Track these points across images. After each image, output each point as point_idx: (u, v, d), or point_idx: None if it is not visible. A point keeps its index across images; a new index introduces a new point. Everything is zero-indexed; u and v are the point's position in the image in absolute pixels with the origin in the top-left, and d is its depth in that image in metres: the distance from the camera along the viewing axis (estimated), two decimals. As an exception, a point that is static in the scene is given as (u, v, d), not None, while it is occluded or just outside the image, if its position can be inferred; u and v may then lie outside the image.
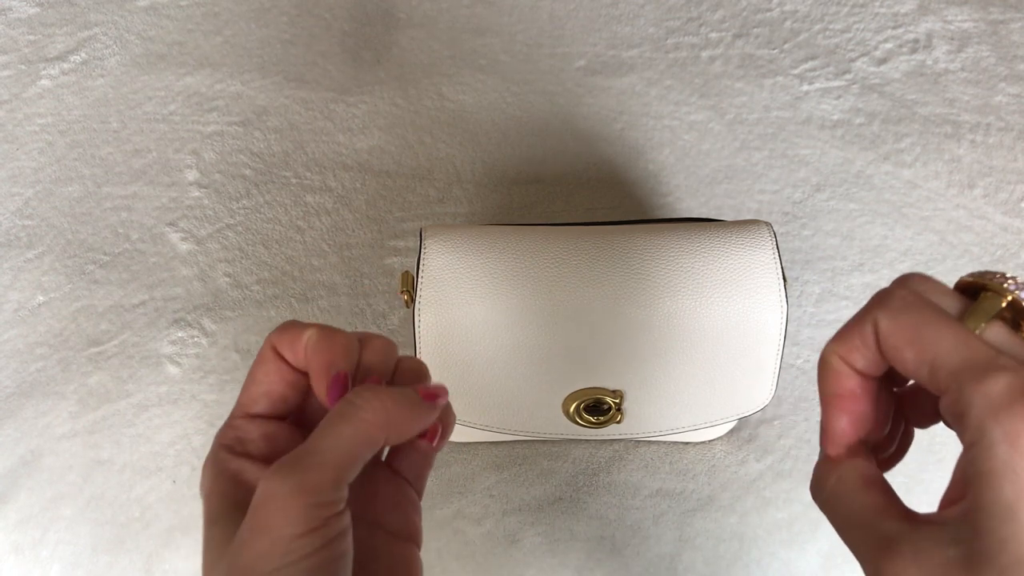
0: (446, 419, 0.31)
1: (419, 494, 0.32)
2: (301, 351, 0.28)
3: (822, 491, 0.26)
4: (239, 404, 0.29)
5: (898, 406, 0.29)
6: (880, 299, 0.25)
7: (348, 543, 0.25)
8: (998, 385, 0.21)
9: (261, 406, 0.28)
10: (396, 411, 0.27)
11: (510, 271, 0.43)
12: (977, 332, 0.24)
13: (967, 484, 0.22)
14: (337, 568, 0.24)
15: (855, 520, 0.25)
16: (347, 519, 0.25)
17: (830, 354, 0.26)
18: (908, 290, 0.24)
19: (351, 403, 0.26)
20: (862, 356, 0.25)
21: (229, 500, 0.26)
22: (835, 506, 0.26)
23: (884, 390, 0.27)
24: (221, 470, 0.27)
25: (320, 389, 0.28)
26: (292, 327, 0.29)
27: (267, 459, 0.27)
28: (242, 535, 0.24)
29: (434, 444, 0.30)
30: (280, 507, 0.23)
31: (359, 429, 0.26)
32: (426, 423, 0.29)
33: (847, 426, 0.26)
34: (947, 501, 0.24)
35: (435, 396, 0.29)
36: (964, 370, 0.22)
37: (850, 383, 0.26)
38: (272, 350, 0.29)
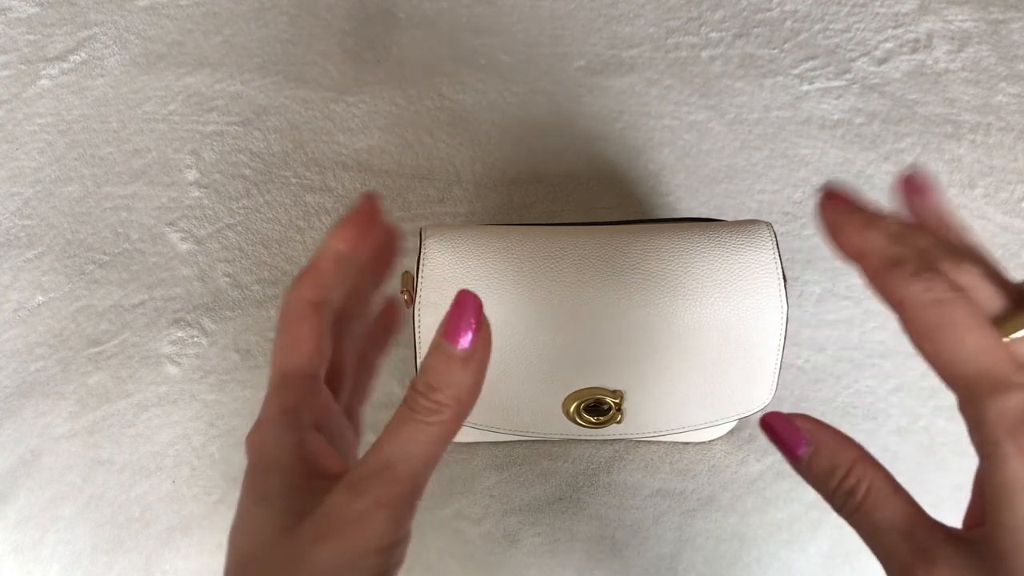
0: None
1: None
2: (336, 269, 0.28)
3: (852, 498, 0.25)
4: (293, 366, 0.27)
5: None
6: (921, 280, 0.24)
7: (403, 560, 0.25)
8: (1012, 402, 0.21)
9: (315, 363, 0.28)
10: (470, 400, 0.26)
11: (510, 271, 0.43)
12: (1007, 340, 0.23)
13: (985, 499, 0.22)
14: None
15: (892, 527, 0.24)
16: (410, 537, 0.25)
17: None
18: (947, 283, 0.23)
19: (419, 406, 0.25)
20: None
21: (300, 462, 0.25)
22: (868, 513, 0.25)
23: None
24: (284, 437, 0.25)
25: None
26: (309, 272, 0.28)
27: (321, 429, 0.26)
28: (305, 546, 0.23)
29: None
30: (357, 522, 0.23)
31: (431, 435, 0.24)
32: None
33: None
34: (970, 516, 0.24)
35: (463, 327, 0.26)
36: (980, 381, 0.22)
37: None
38: (308, 304, 0.28)
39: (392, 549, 0.23)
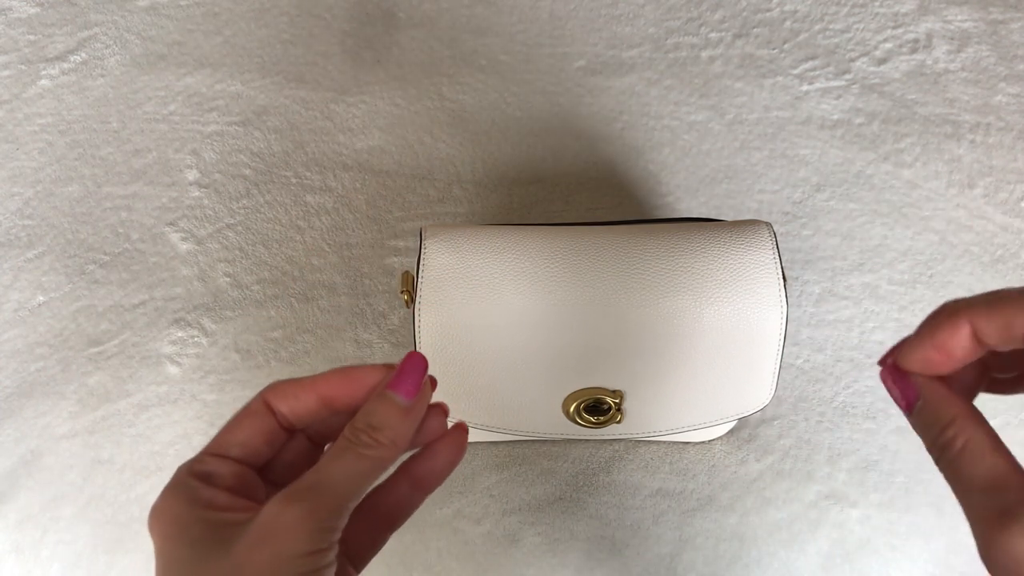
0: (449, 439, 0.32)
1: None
2: (308, 398, 0.30)
3: (948, 451, 0.26)
4: (214, 444, 0.30)
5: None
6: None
7: (334, 567, 0.27)
8: None
9: (235, 452, 0.29)
10: (403, 444, 0.29)
11: (510, 271, 0.43)
12: None
13: None
14: None
15: (980, 483, 0.24)
16: (337, 548, 0.27)
17: (963, 316, 0.26)
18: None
19: (359, 440, 0.28)
20: (999, 335, 0.25)
21: (204, 524, 0.27)
22: (961, 467, 0.25)
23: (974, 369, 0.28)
24: (193, 497, 0.27)
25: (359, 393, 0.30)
26: (289, 381, 0.30)
27: (236, 493, 0.28)
28: (241, 551, 0.26)
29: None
30: (289, 528, 0.25)
31: (365, 466, 0.28)
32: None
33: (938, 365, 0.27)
34: None
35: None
36: None
37: (962, 345, 0.26)
38: (263, 403, 0.30)
39: (320, 554, 0.26)
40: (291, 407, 0.30)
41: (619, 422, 0.47)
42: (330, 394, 0.30)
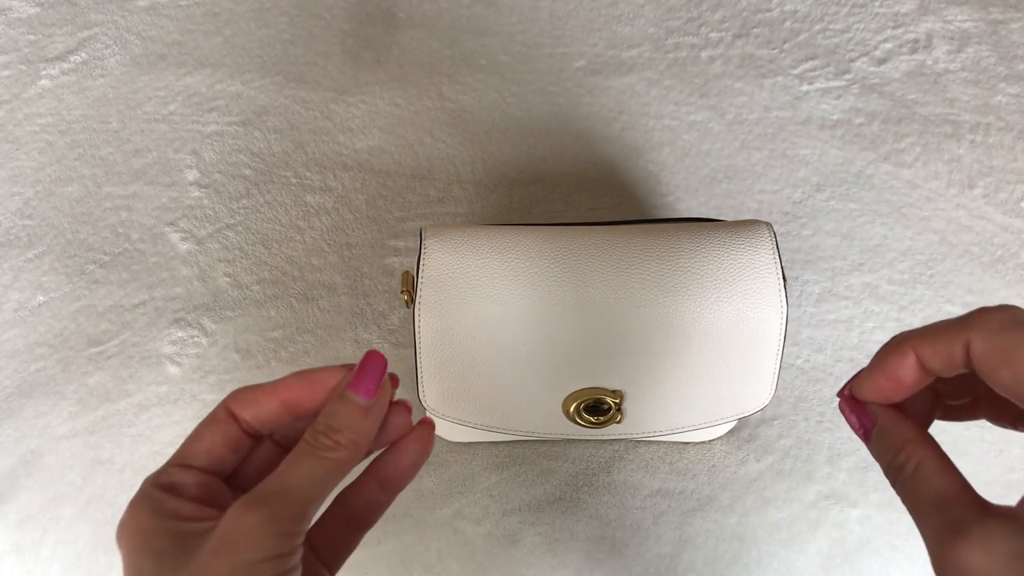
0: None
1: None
2: (270, 404, 0.30)
3: (901, 473, 0.27)
4: (177, 455, 0.30)
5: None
6: (979, 318, 0.26)
7: (298, 571, 0.27)
8: None
9: (200, 461, 0.30)
10: (364, 444, 0.29)
11: (510, 271, 0.43)
12: None
13: None
14: None
15: (931, 502, 0.26)
16: (301, 552, 0.27)
17: (908, 346, 0.28)
18: (1009, 314, 0.26)
19: (319, 443, 0.28)
20: (941, 362, 0.27)
21: (168, 535, 0.27)
22: (914, 487, 0.27)
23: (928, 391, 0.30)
24: (158, 508, 0.27)
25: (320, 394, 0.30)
26: (250, 388, 0.30)
27: (202, 502, 0.28)
28: (202, 560, 0.25)
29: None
30: (248, 534, 0.25)
31: (326, 468, 0.28)
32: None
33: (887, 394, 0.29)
34: None
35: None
36: None
37: (909, 373, 0.28)
38: (226, 411, 0.30)
39: (281, 559, 0.26)
40: (254, 414, 0.30)
41: (619, 422, 0.47)
42: (291, 398, 0.30)
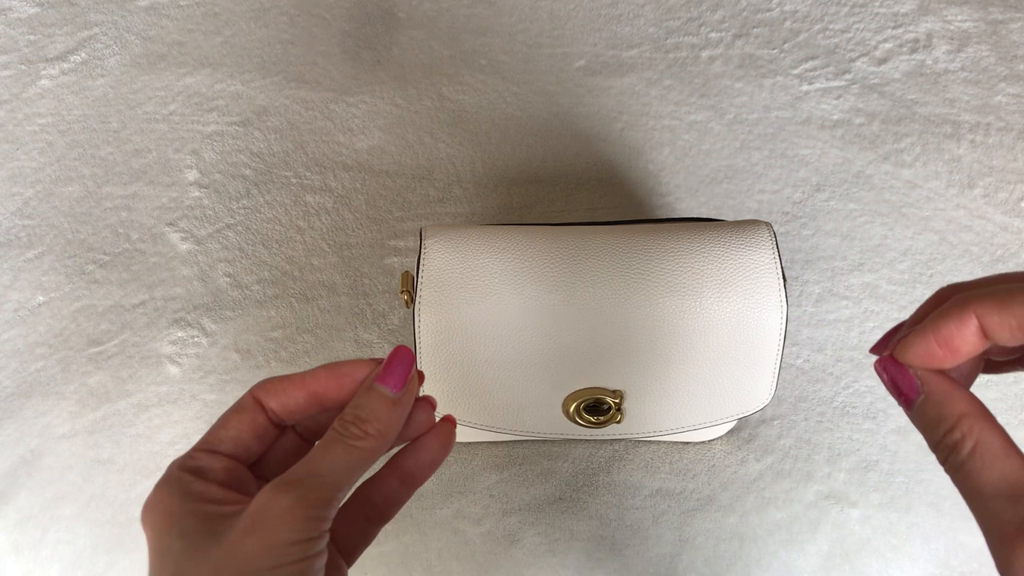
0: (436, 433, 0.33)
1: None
2: (298, 394, 0.30)
3: (954, 453, 0.24)
4: (204, 440, 0.30)
5: None
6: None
7: (325, 556, 0.27)
8: None
9: (227, 447, 0.30)
10: (391, 435, 0.29)
11: (510, 271, 0.43)
12: None
13: None
14: (315, 573, 0.27)
15: (994, 490, 0.23)
16: (327, 538, 0.28)
17: (970, 311, 0.24)
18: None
19: (348, 432, 0.28)
20: (1011, 333, 0.23)
21: (196, 516, 0.27)
22: (971, 471, 0.23)
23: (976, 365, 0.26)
24: (186, 491, 0.28)
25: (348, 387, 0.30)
26: (279, 378, 0.30)
27: (228, 487, 0.28)
28: (234, 538, 0.26)
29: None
30: (281, 515, 0.26)
31: (354, 457, 0.28)
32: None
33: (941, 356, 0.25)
34: None
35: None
36: None
37: (970, 341, 0.24)
38: (253, 400, 0.30)
39: (311, 542, 0.26)
40: (281, 403, 0.30)
41: (619, 422, 0.47)
42: (319, 390, 0.30)
